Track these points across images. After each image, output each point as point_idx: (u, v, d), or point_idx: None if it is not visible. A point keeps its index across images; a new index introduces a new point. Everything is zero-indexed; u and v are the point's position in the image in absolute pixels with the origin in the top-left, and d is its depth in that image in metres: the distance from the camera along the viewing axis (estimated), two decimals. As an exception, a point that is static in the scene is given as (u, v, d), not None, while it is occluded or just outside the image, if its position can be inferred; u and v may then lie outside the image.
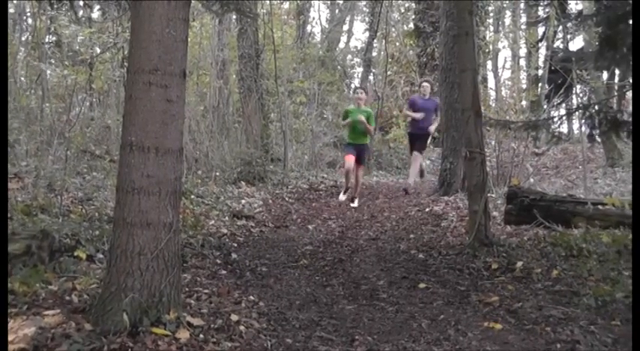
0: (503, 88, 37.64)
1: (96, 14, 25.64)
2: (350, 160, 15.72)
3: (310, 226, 12.73)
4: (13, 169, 12.49)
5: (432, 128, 17.31)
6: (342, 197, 16.54)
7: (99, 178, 13.50)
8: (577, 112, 11.30)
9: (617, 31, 10.14)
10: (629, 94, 25.15)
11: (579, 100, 20.48)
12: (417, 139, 17.54)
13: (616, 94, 23.92)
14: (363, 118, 15.54)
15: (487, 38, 32.99)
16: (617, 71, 23.13)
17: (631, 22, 10.09)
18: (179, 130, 5.55)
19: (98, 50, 21.47)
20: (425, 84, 17.69)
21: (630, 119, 13.01)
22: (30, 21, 21.65)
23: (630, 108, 23.50)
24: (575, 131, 29.19)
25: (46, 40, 22.31)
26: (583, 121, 11.18)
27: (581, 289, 7.18)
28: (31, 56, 19.81)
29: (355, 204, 15.74)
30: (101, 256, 7.73)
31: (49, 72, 18.75)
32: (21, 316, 5.12)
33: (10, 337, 4.70)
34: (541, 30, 34.09)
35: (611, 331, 5.79)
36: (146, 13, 5.39)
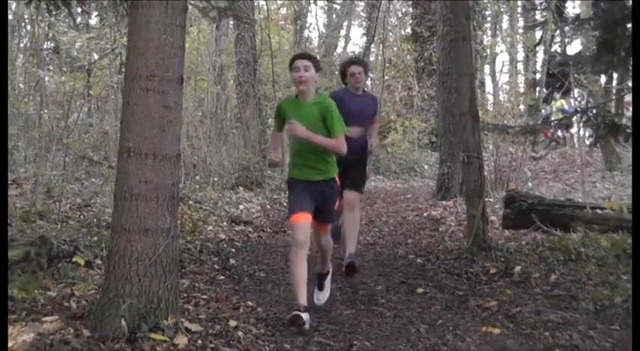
0: (500, 93, 37.65)
1: (94, 21, 25.69)
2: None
3: (308, 231, 12.71)
4: (12, 175, 12.48)
5: (374, 144, 9.64)
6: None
7: (97, 184, 13.50)
8: (575, 116, 11.29)
9: (615, 34, 10.16)
10: (628, 98, 25.21)
11: (576, 104, 20.49)
12: (350, 167, 8.83)
13: (614, 97, 23.95)
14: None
15: (484, 42, 33.04)
16: (615, 75, 23.19)
17: (629, 25, 10.12)
18: (177, 135, 5.57)
19: (96, 56, 21.47)
20: (355, 68, 9.37)
21: (628, 123, 13.04)
22: (28, 27, 21.64)
23: (628, 112, 23.57)
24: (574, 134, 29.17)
25: (45, 46, 22.34)
26: (581, 125, 11.20)
27: (580, 294, 7.19)
28: (29, 62, 19.80)
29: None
30: (99, 262, 7.74)
31: (47, 78, 18.74)
32: (20, 323, 5.12)
33: (9, 344, 4.70)
34: (538, 34, 34.18)
35: (610, 335, 5.80)
36: (143, 20, 5.40)
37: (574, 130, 24.96)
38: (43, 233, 7.85)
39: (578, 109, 11.80)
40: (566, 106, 24.87)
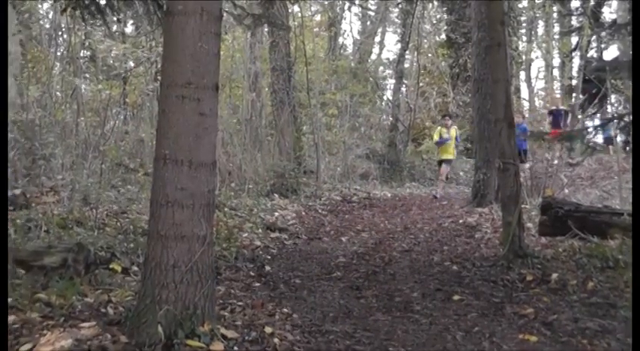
0: (536, 99, 37.49)
1: (129, 29, 25.86)
2: None
3: (343, 238, 12.73)
4: (49, 182, 12.60)
5: None
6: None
7: (133, 191, 13.59)
8: (612, 122, 11.20)
9: (652, 39, 10.08)
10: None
11: (614, 110, 20.32)
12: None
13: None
14: None
15: (520, 48, 32.88)
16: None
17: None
18: (212, 143, 5.58)
19: (132, 64, 21.64)
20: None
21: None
22: (65, 36, 21.81)
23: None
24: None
25: (81, 55, 22.50)
26: (618, 130, 11.11)
27: (618, 301, 7.12)
28: (66, 71, 19.98)
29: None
30: (136, 268, 7.79)
31: (83, 86, 18.92)
32: (58, 328, 5.17)
33: (47, 349, 4.74)
34: (574, 39, 33.88)
35: (648, 343, 5.75)
36: (178, 28, 5.43)
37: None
38: (80, 240, 7.93)
39: (615, 114, 11.71)
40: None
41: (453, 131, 20.44)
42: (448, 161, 20.65)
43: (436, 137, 20.58)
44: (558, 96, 35.49)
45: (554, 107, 25.95)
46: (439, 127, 21.19)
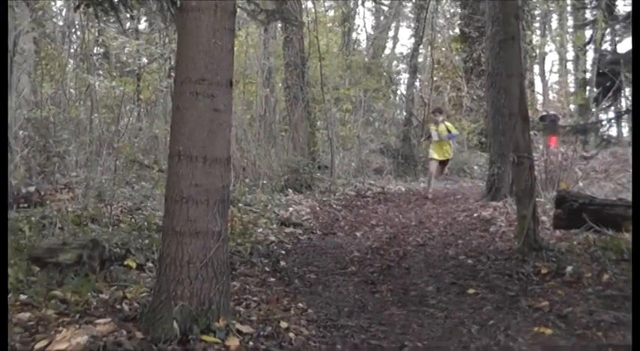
0: (550, 92, 37.40)
1: (143, 26, 25.89)
2: None
3: (358, 233, 12.73)
4: (64, 179, 12.64)
5: None
6: None
7: (147, 187, 13.62)
8: (626, 115, 11.18)
9: (666, 32, 10.05)
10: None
11: (628, 103, 20.26)
12: None
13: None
14: None
15: (534, 42, 32.80)
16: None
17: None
18: (226, 139, 5.60)
19: (145, 61, 21.68)
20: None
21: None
22: (78, 33, 21.88)
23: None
24: (625, 134, 28.89)
25: (94, 51, 22.57)
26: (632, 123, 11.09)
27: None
28: (79, 68, 20.04)
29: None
30: (151, 264, 7.81)
31: (97, 83, 18.93)
32: (73, 325, 5.20)
33: (62, 346, 4.76)
34: (589, 33, 33.83)
35: (663, 335, 5.74)
36: (192, 24, 5.45)
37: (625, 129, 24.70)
38: (95, 236, 7.95)
39: (629, 108, 11.69)
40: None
41: (443, 127, 18.69)
42: (441, 162, 19.03)
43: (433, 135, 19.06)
44: (571, 89, 35.37)
45: (544, 112, 25.57)
46: (430, 125, 20.09)
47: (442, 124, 18.74)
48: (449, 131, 18.69)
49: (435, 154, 18.85)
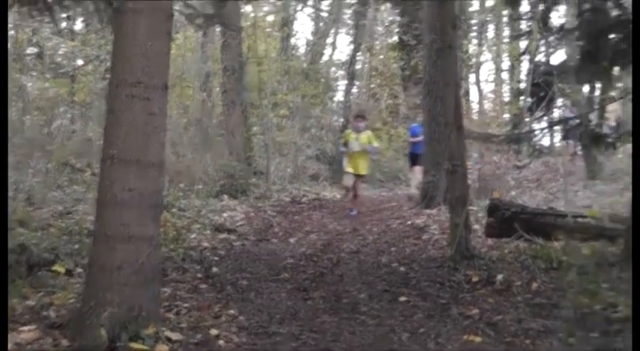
0: (485, 101, 37.79)
1: (79, 26, 25.64)
2: None
3: (292, 239, 12.73)
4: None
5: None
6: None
7: (80, 191, 13.48)
8: (558, 126, 11.35)
9: (598, 44, 10.23)
10: (611, 107, 25.26)
11: (560, 113, 20.60)
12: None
13: (597, 107, 24.03)
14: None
15: (470, 51, 33.12)
16: (598, 85, 23.26)
17: (612, 36, 10.20)
18: (161, 142, 5.57)
19: (81, 62, 21.47)
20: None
21: (610, 132, 13.03)
22: (12, 32, 21.58)
23: (609, 121, 23.64)
24: (557, 144, 29.29)
25: (28, 52, 22.28)
26: (563, 134, 11.27)
27: (561, 302, 7.20)
28: (12, 68, 19.76)
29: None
30: (80, 270, 7.70)
31: (30, 84, 18.69)
32: (-3, 332, 5.11)
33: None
34: (524, 43, 34.25)
35: (589, 342, 5.81)
36: (129, 26, 5.42)
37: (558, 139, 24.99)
38: (22, 241, 7.83)
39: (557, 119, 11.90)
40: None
41: (365, 138, 15.81)
42: (357, 177, 15.91)
43: (342, 142, 16.60)
44: (506, 98, 35.80)
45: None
46: (347, 131, 17.03)
47: (364, 132, 15.99)
48: (369, 142, 15.89)
49: (350, 167, 15.83)
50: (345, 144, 16.07)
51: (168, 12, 5.62)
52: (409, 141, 20.62)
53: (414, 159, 19.61)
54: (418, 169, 18.43)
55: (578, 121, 11.34)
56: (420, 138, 18.21)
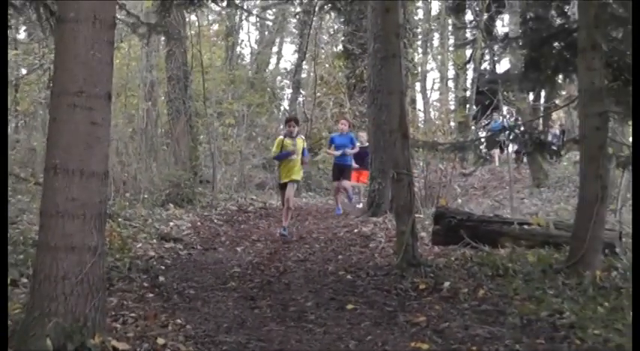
0: (431, 110, 38.01)
1: (22, 35, 25.38)
2: None
3: (239, 248, 12.70)
4: None
5: None
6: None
7: (24, 201, 13.34)
8: (503, 134, 11.45)
9: (542, 53, 10.37)
10: (554, 115, 25.56)
11: (505, 121, 20.81)
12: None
13: (541, 115, 24.31)
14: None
15: (416, 60, 33.29)
16: (542, 92, 23.55)
17: (556, 44, 10.34)
18: (104, 152, 5.53)
19: (24, 71, 21.25)
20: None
21: (554, 140, 13.17)
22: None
23: (553, 129, 23.93)
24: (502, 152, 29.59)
25: (-30, 60, 22.00)
26: (508, 142, 11.36)
27: (507, 308, 7.27)
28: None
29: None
30: (25, 280, 7.64)
31: (-28, 93, 18.44)
32: (-61, 343, 5.04)
33: None
34: (469, 52, 34.55)
35: (535, 349, 5.88)
36: (70, 36, 5.37)
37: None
38: (-34, 251, 7.72)
39: (506, 126, 12.00)
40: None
41: (301, 142, 14.65)
42: (293, 182, 14.57)
43: (276, 149, 14.77)
44: (452, 107, 36.06)
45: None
46: (280, 137, 15.20)
47: (298, 138, 14.69)
48: (303, 151, 14.68)
49: (283, 178, 14.52)
50: (289, 155, 14.29)
51: (110, 21, 5.58)
52: (326, 152, 20.33)
53: (341, 171, 18.49)
54: (347, 184, 18.52)
55: (506, 130, 11.42)
56: (355, 149, 18.47)
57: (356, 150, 18.53)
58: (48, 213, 5.34)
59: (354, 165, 18.74)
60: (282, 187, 14.55)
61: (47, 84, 19.11)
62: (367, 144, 18.63)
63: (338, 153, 18.25)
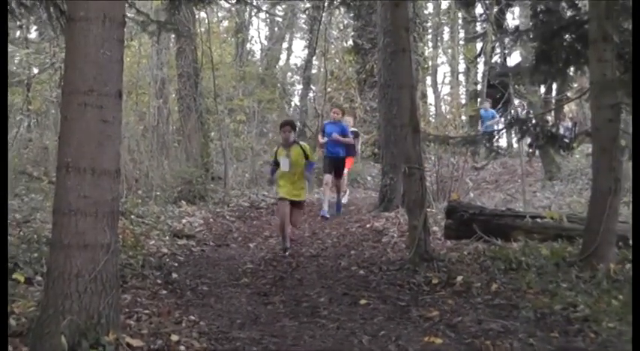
0: (442, 104, 37.92)
1: (33, 35, 25.41)
2: None
3: (251, 245, 12.73)
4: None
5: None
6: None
7: (37, 199, 13.38)
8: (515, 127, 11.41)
9: (552, 45, 10.33)
10: (566, 108, 25.49)
11: (517, 114, 20.76)
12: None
13: (553, 108, 24.22)
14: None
15: (426, 54, 33.22)
16: (554, 85, 23.47)
17: (567, 36, 10.30)
18: (116, 150, 5.54)
19: (35, 71, 21.27)
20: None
21: (566, 133, 13.14)
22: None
23: (565, 122, 23.83)
24: (514, 145, 29.49)
25: (-18, 60, 22.02)
26: (520, 135, 11.32)
27: (520, 302, 7.26)
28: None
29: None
30: (39, 278, 7.66)
31: (-16, 93, 18.48)
32: (-44, 341, 5.05)
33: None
34: (479, 45, 34.47)
35: (549, 342, 5.86)
36: (81, 34, 5.37)
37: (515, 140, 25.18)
38: (-20, 250, 7.75)
39: (513, 119, 11.96)
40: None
41: (297, 152, 11.85)
42: (298, 204, 12.06)
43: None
44: (463, 100, 35.98)
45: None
46: (277, 148, 12.53)
47: (295, 146, 11.98)
48: (306, 157, 11.92)
49: (283, 193, 11.89)
50: (274, 165, 12.23)
51: (120, 19, 5.58)
52: (318, 142, 17.85)
53: (334, 165, 16.68)
54: (344, 183, 17.42)
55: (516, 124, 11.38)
56: (347, 139, 16.77)
57: (347, 140, 16.80)
58: (61, 211, 5.35)
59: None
60: (281, 200, 11.88)
61: (59, 83, 19.10)
62: (354, 129, 18.35)
63: (323, 140, 16.68)
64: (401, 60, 10.07)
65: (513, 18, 24.39)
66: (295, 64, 39.26)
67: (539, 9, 10.96)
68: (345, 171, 17.53)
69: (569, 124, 25.65)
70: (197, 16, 22.69)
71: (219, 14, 33.27)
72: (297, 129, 15.01)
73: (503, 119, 23.07)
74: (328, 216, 15.97)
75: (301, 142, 12.27)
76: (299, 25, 39.06)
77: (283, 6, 36.07)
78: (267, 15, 37.19)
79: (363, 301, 7.78)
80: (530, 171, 23.06)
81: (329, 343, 6.15)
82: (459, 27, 38.71)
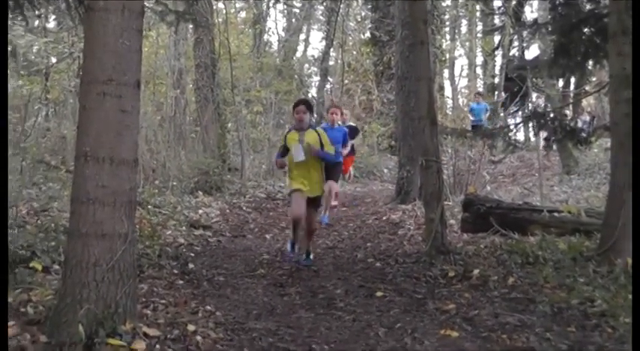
0: (459, 96, 37.88)
1: (52, 24, 25.46)
2: None
3: (268, 236, 12.74)
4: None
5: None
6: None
7: (55, 188, 13.41)
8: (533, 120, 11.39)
9: (571, 38, 10.28)
10: (585, 102, 25.35)
11: (534, 108, 20.67)
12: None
13: (571, 101, 24.12)
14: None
15: (443, 46, 33.16)
16: (572, 79, 23.35)
17: (585, 29, 10.25)
18: (134, 140, 5.55)
19: (54, 60, 21.31)
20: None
21: (584, 126, 13.06)
22: (-17, 30, 21.37)
23: (583, 116, 23.73)
24: (532, 139, 29.40)
25: (1, 49, 22.06)
26: (537, 128, 11.29)
27: (537, 296, 7.24)
28: (-16, 66, 19.57)
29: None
30: (57, 267, 7.68)
31: (3, 82, 18.51)
32: (-26, 329, 5.07)
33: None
34: (497, 38, 34.37)
35: (566, 337, 5.85)
36: (100, 24, 5.38)
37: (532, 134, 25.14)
38: (-2, 238, 7.78)
39: (530, 112, 11.92)
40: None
41: (313, 137, 9.78)
42: (309, 200, 9.77)
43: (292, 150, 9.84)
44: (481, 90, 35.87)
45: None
46: (286, 132, 10.50)
47: (311, 131, 9.90)
48: (322, 146, 9.78)
49: (297, 183, 9.79)
50: (283, 154, 10.20)
51: (139, 9, 5.60)
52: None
53: (329, 169, 11.06)
54: (334, 185, 13.60)
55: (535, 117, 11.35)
56: (346, 149, 14.49)
57: (347, 150, 14.52)
58: (79, 200, 5.36)
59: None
60: (295, 192, 9.81)
61: (77, 72, 19.14)
62: (351, 124, 16.62)
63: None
64: (419, 52, 10.06)
65: (532, 11, 24.35)
66: (312, 56, 39.26)
67: (558, 2, 10.92)
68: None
69: (588, 118, 25.55)
70: (215, 7, 22.71)
71: (237, 5, 33.36)
72: (314, 110, 13.07)
73: (502, 113, 23.06)
74: (328, 221, 14.29)
75: (318, 128, 10.30)
76: (316, 17, 39.06)
77: (301, -3, 36.11)
78: (285, 6, 37.21)
79: (379, 294, 7.78)
80: (547, 165, 22.98)
81: (345, 335, 6.15)
82: (477, 19, 38.68)
